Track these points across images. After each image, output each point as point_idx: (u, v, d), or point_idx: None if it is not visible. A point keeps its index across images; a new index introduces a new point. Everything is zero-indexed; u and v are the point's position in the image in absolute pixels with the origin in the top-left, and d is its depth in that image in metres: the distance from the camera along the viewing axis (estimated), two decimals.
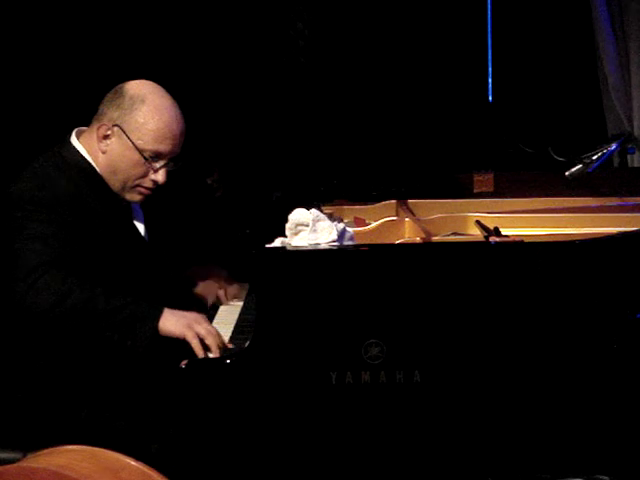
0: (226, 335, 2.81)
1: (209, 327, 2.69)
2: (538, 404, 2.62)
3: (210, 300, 3.19)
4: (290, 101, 4.89)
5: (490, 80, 4.65)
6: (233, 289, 3.23)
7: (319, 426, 2.59)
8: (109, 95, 2.86)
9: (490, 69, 4.66)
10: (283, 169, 4.76)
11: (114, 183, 2.83)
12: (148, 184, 2.84)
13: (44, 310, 2.61)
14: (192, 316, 2.71)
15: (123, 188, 2.84)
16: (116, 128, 2.80)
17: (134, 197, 2.87)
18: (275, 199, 4.62)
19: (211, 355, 2.65)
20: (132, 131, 2.79)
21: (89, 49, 4.61)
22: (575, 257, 2.66)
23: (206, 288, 3.21)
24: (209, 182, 4.91)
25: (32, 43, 4.65)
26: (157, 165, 2.82)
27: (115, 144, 2.81)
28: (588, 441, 2.65)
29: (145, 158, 2.80)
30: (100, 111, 2.85)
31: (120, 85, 2.86)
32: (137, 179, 2.83)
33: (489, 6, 4.62)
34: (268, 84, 4.93)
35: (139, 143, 2.79)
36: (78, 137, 2.87)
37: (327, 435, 2.59)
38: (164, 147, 2.81)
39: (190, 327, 2.65)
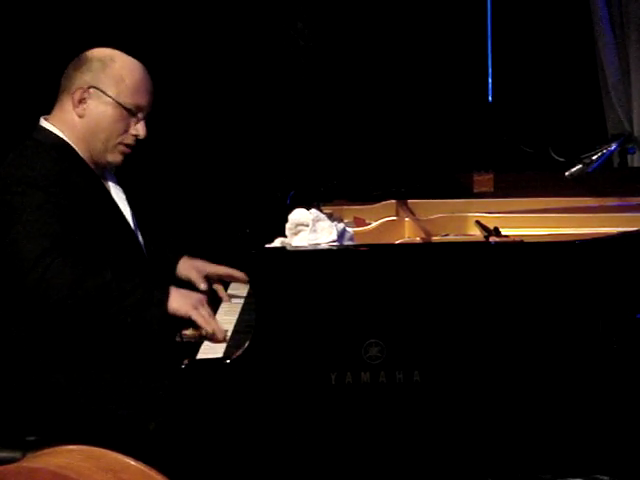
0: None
1: (208, 313, 2.71)
2: (538, 404, 2.62)
3: (197, 279, 3.14)
4: (290, 101, 4.89)
5: (490, 80, 4.65)
6: (220, 270, 3.19)
7: (319, 426, 2.59)
8: (72, 65, 2.89)
9: (490, 69, 4.66)
10: (284, 169, 4.76)
11: (96, 145, 2.86)
12: (129, 140, 2.88)
13: (59, 299, 2.62)
14: (196, 296, 2.75)
15: (105, 148, 2.86)
16: (92, 89, 2.84)
17: (116, 157, 2.89)
18: (275, 199, 4.62)
19: (213, 341, 2.69)
20: (110, 87, 2.84)
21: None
22: (575, 257, 2.66)
23: (191, 268, 3.17)
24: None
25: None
26: (137, 118, 2.87)
27: (93, 105, 2.84)
28: (588, 441, 2.65)
29: (128, 110, 2.84)
30: (67, 83, 2.88)
31: (81, 54, 2.90)
32: (119, 135, 2.86)
33: (489, 6, 4.62)
34: (268, 84, 4.93)
35: (119, 98, 2.84)
36: (47, 120, 2.89)
37: (327, 435, 2.59)
38: (143, 99, 2.87)
39: (195, 307, 2.68)
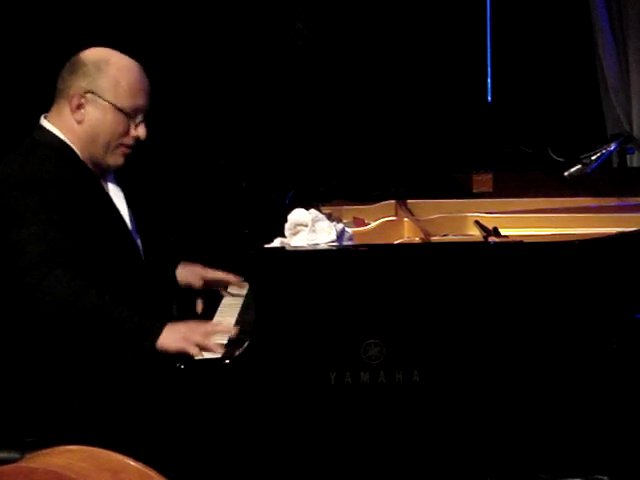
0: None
1: (206, 329, 2.68)
2: (537, 404, 2.61)
3: (197, 284, 3.14)
4: (289, 101, 4.89)
5: (489, 80, 4.65)
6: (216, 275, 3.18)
7: (318, 426, 2.59)
8: (67, 69, 2.85)
9: (489, 70, 4.66)
10: (283, 169, 4.76)
11: (97, 149, 2.84)
12: (130, 141, 2.86)
13: (51, 310, 2.61)
14: (185, 327, 2.68)
15: (106, 152, 2.84)
16: (89, 95, 2.81)
17: (117, 160, 2.87)
18: (271, 201, 4.62)
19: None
20: (106, 92, 2.81)
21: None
22: (574, 257, 2.66)
23: (190, 273, 3.17)
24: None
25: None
26: (137, 120, 2.85)
27: (91, 110, 2.82)
28: (588, 441, 2.65)
29: (126, 113, 2.82)
30: (63, 87, 2.85)
31: (74, 57, 2.86)
32: (119, 138, 2.84)
33: (489, 6, 4.62)
34: (267, 84, 4.93)
35: (117, 102, 2.81)
36: (47, 119, 2.88)
37: (326, 435, 2.59)
38: (140, 101, 2.84)
39: (187, 340, 2.63)
